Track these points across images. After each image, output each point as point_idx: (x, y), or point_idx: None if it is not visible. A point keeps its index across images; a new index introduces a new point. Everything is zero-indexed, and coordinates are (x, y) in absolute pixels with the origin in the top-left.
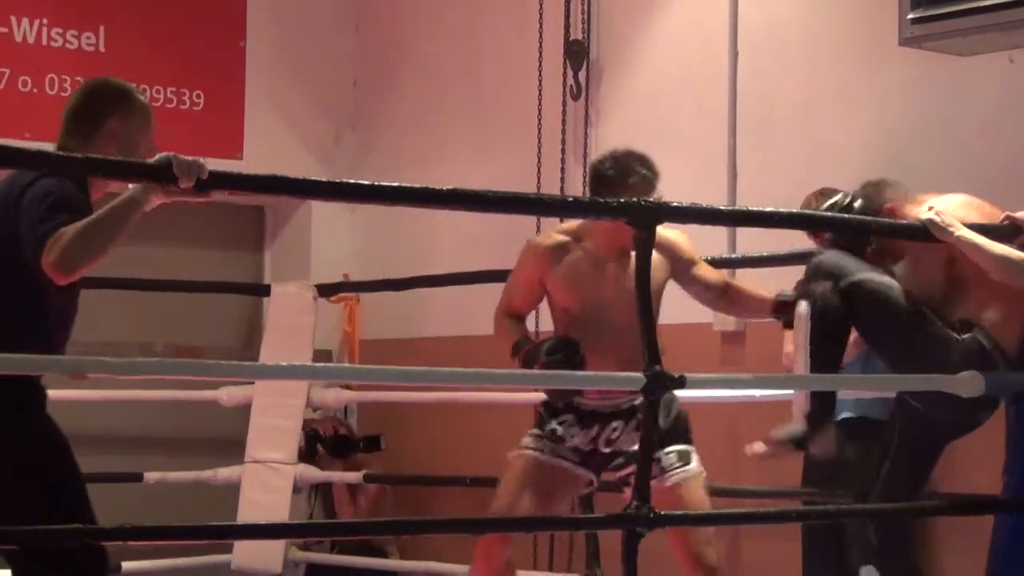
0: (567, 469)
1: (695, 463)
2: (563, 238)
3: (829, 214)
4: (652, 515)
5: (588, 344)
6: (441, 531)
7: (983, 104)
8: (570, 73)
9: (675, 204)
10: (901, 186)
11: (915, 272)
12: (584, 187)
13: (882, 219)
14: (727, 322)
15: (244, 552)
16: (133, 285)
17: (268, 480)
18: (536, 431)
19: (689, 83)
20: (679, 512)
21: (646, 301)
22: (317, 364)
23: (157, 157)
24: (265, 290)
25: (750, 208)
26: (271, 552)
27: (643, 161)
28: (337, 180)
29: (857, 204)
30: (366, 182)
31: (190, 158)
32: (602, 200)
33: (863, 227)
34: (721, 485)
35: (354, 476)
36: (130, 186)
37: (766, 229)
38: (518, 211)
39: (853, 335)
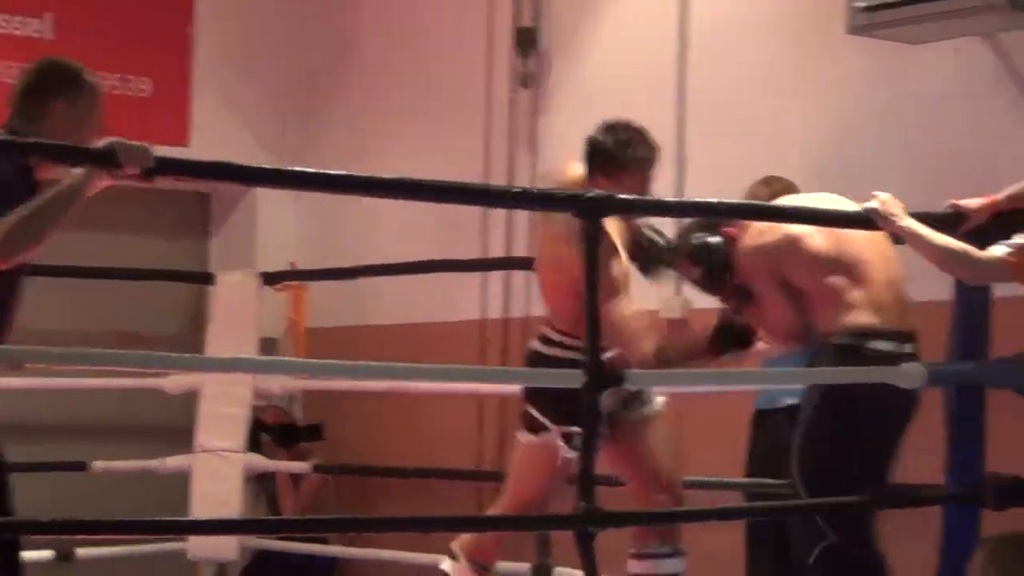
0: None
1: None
2: None
3: (781, 204)
4: (602, 515)
5: None
6: (391, 529)
7: (932, 93)
8: (519, 61)
9: (622, 196)
10: (783, 183)
11: (769, 308)
12: (533, 177)
13: (827, 209)
14: (673, 310)
15: (199, 541)
16: (77, 273)
17: (219, 469)
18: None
19: (638, 72)
20: (629, 511)
21: (594, 295)
22: (261, 357)
23: (103, 143)
24: (210, 278)
25: (698, 200)
26: (225, 541)
27: (643, 136)
28: (283, 167)
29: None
30: (312, 170)
31: (136, 144)
32: (550, 192)
33: (803, 217)
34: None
35: (302, 466)
36: (73, 171)
37: None
38: (464, 201)
39: None
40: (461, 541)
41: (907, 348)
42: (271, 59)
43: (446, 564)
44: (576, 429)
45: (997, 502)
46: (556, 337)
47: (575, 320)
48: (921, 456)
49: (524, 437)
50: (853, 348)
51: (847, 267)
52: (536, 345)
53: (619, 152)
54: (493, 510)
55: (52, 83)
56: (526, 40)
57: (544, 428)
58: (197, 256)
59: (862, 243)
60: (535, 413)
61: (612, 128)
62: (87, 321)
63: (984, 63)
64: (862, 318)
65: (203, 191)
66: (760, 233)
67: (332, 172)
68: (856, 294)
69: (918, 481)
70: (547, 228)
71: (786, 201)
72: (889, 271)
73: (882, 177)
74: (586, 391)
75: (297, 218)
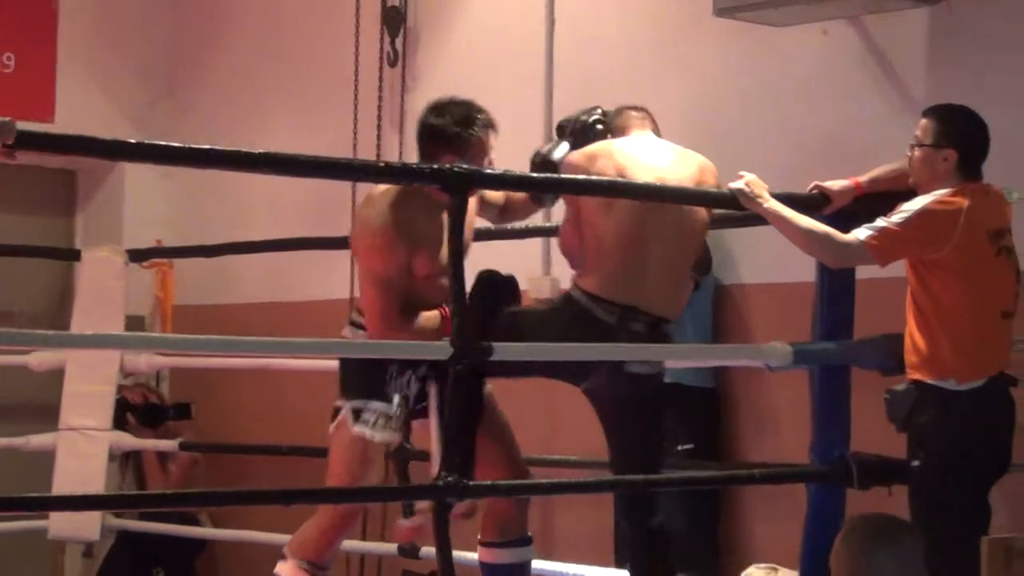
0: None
1: None
2: None
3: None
4: (462, 485)
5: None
6: (247, 502)
7: (800, 75)
8: (387, 39)
9: (488, 171)
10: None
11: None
12: (401, 154)
13: (690, 188)
14: (542, 289)
15: (61, 518)
16: None
17: (83, 448)
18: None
19: (506, 51)
20: (489, 483)
21: (459, 269)
22: (126, 333)
23: None
24: (75, 255)
25: (563, 176)
26: (88, 519)
27: (479, 111)
28: (149, 142)
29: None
30: (179, 144)
31: None
32: (414, 166)
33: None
34: (534, 455)
35: (169, 444)
36: None
37: None
38: (330, 176)
39: None
40: (293, 541)
41: (636, 327)
42: (138, 33)
43: (279, 566)
44: (366, 402)
45: (861, 481)
46: (359, 320)
47: (368, 307)
48: (788, 435)
49: (330, 427)
50: (581, 305)
51: (621, 234)
52: (344, 331)
53: (462, 130)
54: (318, 514)
55: None
56: (394, 18)
57: (338, 410)
58: (63, 234)
59: (658, 220)
60: (336, 401)
61: (443, 107)
62: None
63: (851, 46)
64: (591, 283)
65: (69, 168)
66: (591, 159)
67: (198, 147)
68: (604, 262)
69: (786, 460)
70: (362, 214)
71: (619, 145)
72: (668, 254)
73: (748, 159)
74: (452, 362)
75: (165, 195)
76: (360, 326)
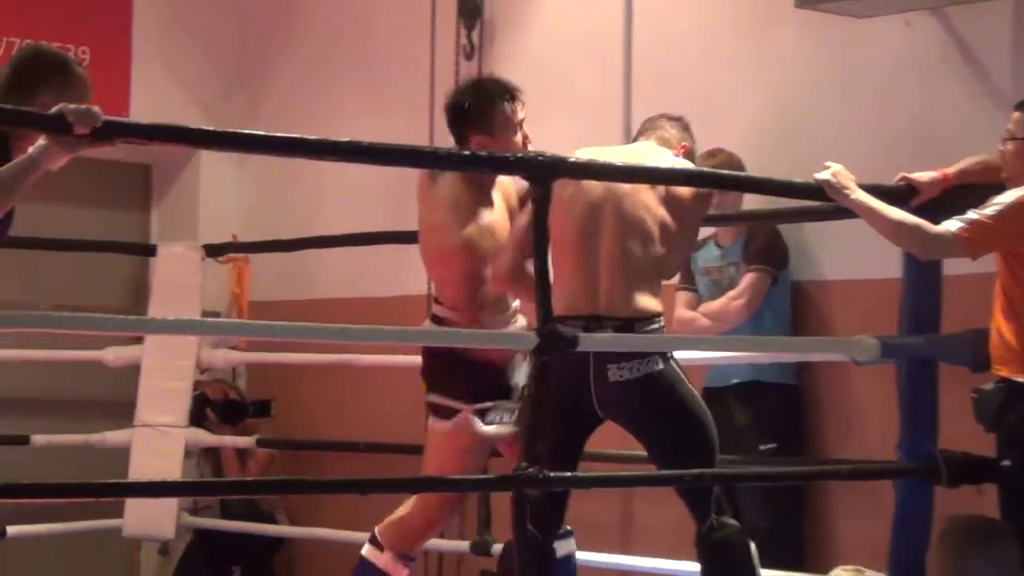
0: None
1: None
2: None
3: (727, 172)
4: (542, 476)
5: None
6: (324, 491)
7: (880, 67)
8: (463, 32)
9: (573, 160)
10: (726, 155)
11: None
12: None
13: (775, 179)
14: None
15: (136, 517)
16: (18, 243)
17: (159, 444)
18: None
19: (584, 42)
20: (569, 474)
21: (543, 258)
22: (202, 319)
23: (52, 109)
24: (151, 250)
25: (649, 165)
26: (163, 517)
27: (502, 84)
28: (230, 130)
29: None
30: (257, 132)
31: (83, 106)
32: (499, 155)
33: (755, 186)
34: (609, 451)
35: (246, 441)
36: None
37: None
38: (411, 164)
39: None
40: (388, 532)
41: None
42: (212, 24)
43: (366, 549)
44: (489, 404)
45: (951, 478)
46: (443, 314)
47: (457, 296)
48: (872, 433)
49: (438, 425)
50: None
51: (567, 239)
52: (426, 324)
53: (484, 104)
54: (411, 504)
55: (37, 74)
56: (471, 10)
57: (455, 411)
58: (139, 228)
59: (596, 216)
60: (441, 399)
61: (465, 86)
62: (29, 293)
63: (934, 37)
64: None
65: (144, 162)
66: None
67: (281, 135)
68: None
69: (871, 459)
70: (429, 194)
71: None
72: (614, 250)
73: (831, 150)
74: (539, 352)
75: (240, 189)
76: (440, 320)
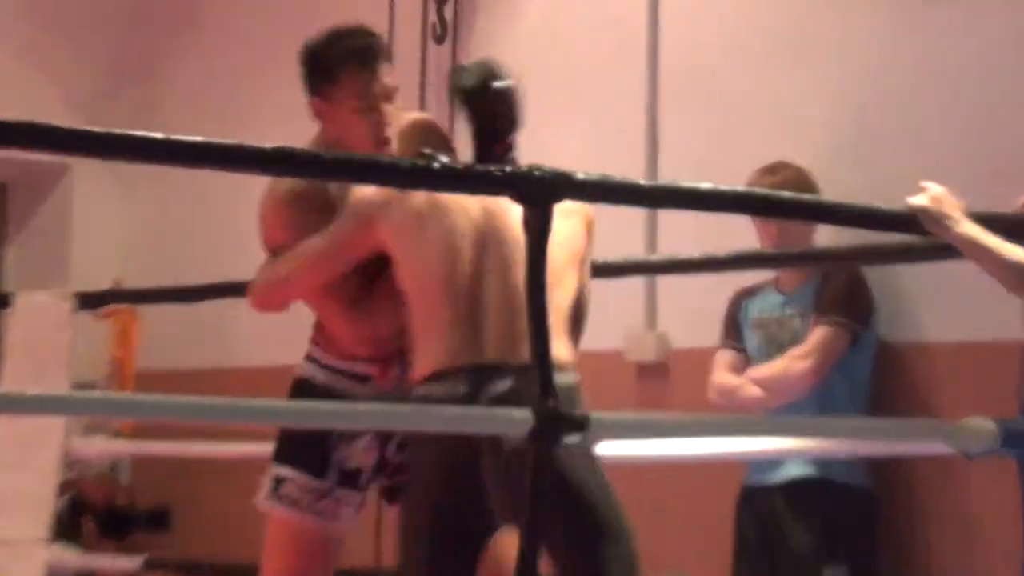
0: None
1: None
2: None
3: (786, 194)
4: None
5: None
6: None
7: (997, 56)
8: (432, 7)
9: (581, 176)
10: (792, 171)
11: None
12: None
13: (854, 204)
14: (645, 350)
15: None
16: None
17: (9, 568)
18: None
19: (595, 24)
20: None
21: (540, 299)
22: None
23: None
24: (4, 299)
25: (680, 184)
26: None
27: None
28: (111, 131)
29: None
30: (151, 133)
31: None
32: (481, 169)
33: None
34: None
35: (131, 564)
36: None
37: (697, 213)
38: (360, 179)
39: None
40: None
41: (498, 388)
42: (93, 6)
43: None
44: (287, 472)
45: None
46: (314, 353)
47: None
48: (980, 549)
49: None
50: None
51: (441, 276)
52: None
53: (334, 63)
54: None
55: None
56: None
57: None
58: None
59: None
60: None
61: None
62: None
63: None
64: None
65: None
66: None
67: (175, 137)
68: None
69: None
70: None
71: None
72: (504, 286)
73: (910, 166)
74: (535, 439)
75: (126, 218)
76: (315, 362)
